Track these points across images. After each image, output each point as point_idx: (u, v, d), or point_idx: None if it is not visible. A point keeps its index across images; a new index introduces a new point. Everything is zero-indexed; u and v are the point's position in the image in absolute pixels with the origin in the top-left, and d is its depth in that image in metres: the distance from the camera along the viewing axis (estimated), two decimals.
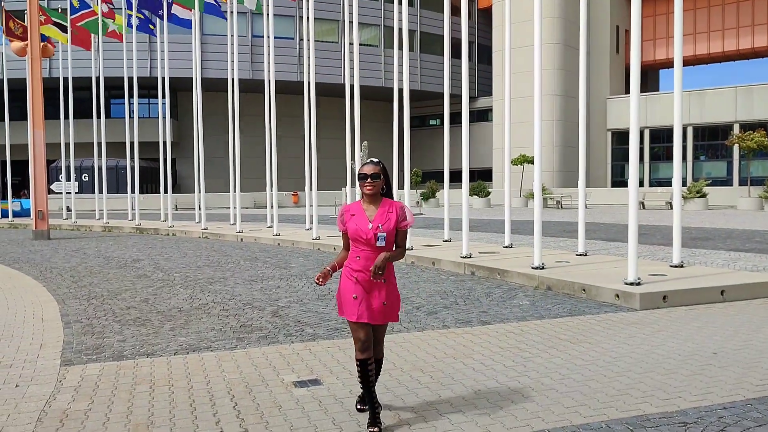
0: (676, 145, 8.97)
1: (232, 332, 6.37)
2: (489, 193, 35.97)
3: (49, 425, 3.96)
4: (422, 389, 4.51)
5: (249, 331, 6.38)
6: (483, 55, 51.79)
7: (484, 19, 51.46)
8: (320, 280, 3.82)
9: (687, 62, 49.55)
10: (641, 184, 40.84)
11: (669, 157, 40.75)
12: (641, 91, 43.38)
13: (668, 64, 46.23)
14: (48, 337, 6.34)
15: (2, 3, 23.24)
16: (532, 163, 35.32)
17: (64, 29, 23.97)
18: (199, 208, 21.08)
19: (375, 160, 3.91)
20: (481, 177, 43.19)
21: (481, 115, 48.98)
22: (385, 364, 5.15)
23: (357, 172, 3.84)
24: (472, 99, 49.79)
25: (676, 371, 4.84)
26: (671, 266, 9.13)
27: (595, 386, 4.52)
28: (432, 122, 52.99)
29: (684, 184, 33.11)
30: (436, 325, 6.58)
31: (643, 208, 29.90)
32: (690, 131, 39.84)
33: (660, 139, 41.55)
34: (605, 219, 22.59)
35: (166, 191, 22.54)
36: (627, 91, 46.55)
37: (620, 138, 42.81)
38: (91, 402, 4.38)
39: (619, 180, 42.92)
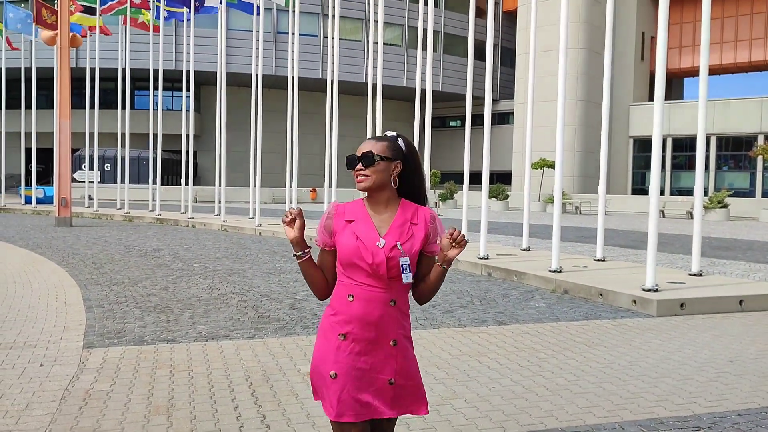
0: (699, 154, 8.94)
1: (250, 322, 6.46)
2: (508, 196, 35.88)
3: (72, 404, 4.06)
4: (437, 385, 4.56)
5: (267, 322, 6.46)
6: (506, 57, 51.64)
7: (508, 21, 51.30)
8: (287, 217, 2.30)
9: (712, 71, 49.05)
10: (662, 192, 40.53)
11: (691, 167, 40.42)
12: (665, 99, 43.14)
13: (693, 72, 45.82)
14: (71, 320, 6.47)
15: None
16: (552, 168, 35.21)
17: (93, 12, 24.19)
18: (219, 201, 21.26)
19: (391, 133, 2.38)
20: (500, 180, 43.05)
21: (502, 118, 48.82)
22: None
23: (346, 157, 2.39)
24: (494, 101, 49.67)
25: (692, 377, 4.84)
26: (690, 274, 9.09)
27: (609, 388, 4.54)
28: (452, 123, 52.94)
29: (705, 194, 32.81)
30: (452, 323, 6.62)
31: (663, 216, 29.66)
32: (713, 141, 39.45)
33: (682, 148, 41.19)
34: (624, 226, 22.46)
35: (186, 183, 22.75)
36: (651, 98, 46.16)
37: (642, 145, 42.50)
38: (113, 383, 4.48)
39: (640, 187, 42.61)
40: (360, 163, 2.27)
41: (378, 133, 14.58)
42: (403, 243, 2.24)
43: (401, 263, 2.21)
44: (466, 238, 2.24)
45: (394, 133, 2.36)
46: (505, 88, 51.00)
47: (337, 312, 2.25)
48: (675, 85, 51.26)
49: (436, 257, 2.27)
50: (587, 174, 41.35)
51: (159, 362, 5.01)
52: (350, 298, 2.23)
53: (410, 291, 2.33)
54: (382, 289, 2.22)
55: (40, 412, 3.92)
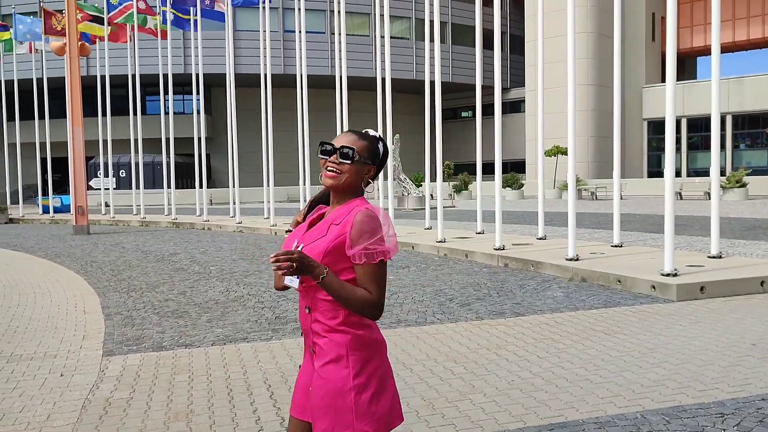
0: (714, 133, 8.80)
1: (267, 324, 6.47)
2: (522, 185, 35.67)
3: (93, 413, 4.09)
4: (455, 380, 4.53)
5: (284, 323, 6.47)
6: (515, 45, 51.29)
7: (516, 9, 50.94)
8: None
9: (725, 48, 48.41)
10: (678, 174, 40.10)
11: (707, 147, 39.91)
12: (678, 80, 42.52)
13: (706, 51, 45.27)
14: (90, 328, 6.51)
15: (41, 3, 23.77)
16: (566, 154, 34.96)
17: (101, 22, 24.38)
18: (234, 203, 21.33)
19: (374, 133, 2.16)
20: (514, 169, 42.80)
21: (514, 107, 48.52)
22: (418, 355, 5.19)
23: (320, 143, 2.12)
24: (504, 90, 49.34)
25: (714, 362, 4.78)
26: (709, 257, 8.97)
27: (629, 377, 4.49)
28: (464, 114, 52.70)
29: (723, 173, 32.41)
30: (470, 316, 6.58)
31: (680, 198, 29.35)
32: (729, 120, 38.94)
33: (698, 128, 40.70)
34: (641, 210, 22.25)
35: (201, 186, 22.87)
36: (663, 79, 45.64)
37: (656, 128, 42.04)
38: (132, 391, 4.50)
39: (656, 170, 42.18)
40: (336, 155, 2.05)
41: (389, 128, 14.56)
42: (308, 244, 2.04)
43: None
44: (285, 264, 1.88)
45: (377, 135, 2.16)
46: (516, 76, 50.69)
47: None
48: (688, 65, 50.67)
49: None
50: (602, 159, 41.01)
51: (178, 368, 5.03)
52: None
53: None
54: (302, 295, 2.10)
55: (61, 422, 3.94)
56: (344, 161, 2.04)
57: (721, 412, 3.80)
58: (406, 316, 6.64)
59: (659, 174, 40.51)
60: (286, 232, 2.27)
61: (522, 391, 4.26)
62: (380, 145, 2.14)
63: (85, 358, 5.37)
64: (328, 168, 2.06)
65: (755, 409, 3.83)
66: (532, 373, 4.63)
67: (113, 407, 4.18)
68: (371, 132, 2.17)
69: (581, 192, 33.05)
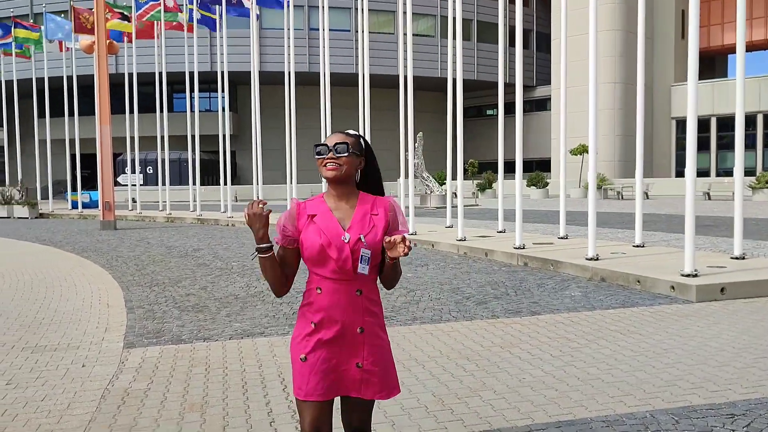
0: (738, 132, 8.71)
1: (284, 319, 6.56)
2: (547, 183, 35.42)
3: (111, 402, 4.20)
4: (467, 377, 4.56)
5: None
6: (542, 43, 50.93)
7: (543, 6, 50.57)
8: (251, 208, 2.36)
9: (758, 46, 47.52)
10: (707, 174, 39.51)
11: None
12: (708, 78, 41.75)
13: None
14: (112, 321, 6.66)
15: (72, 1, 24.21)
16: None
17: (128, 19, 24.77)
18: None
19: (354, 132, 2.46)
20: (540, 167, 42.56)
21: (540, 105, 48.23)
22: (431, 352, 5.23)
23: (315, 145, 2.41)
24: (530, 88, 49.09)
25: (729, 364, 4.74)
26: (732, 258, 8.87)
27: (642, 377, 4.48)
28: (489, 112, 52.49)
29: (753, 173, 31.85)
30: (485, 315, 6.60)
31: (709, 199, 28.92)
32: (760, 119, 38.24)
33: (729, 128, 39.96)
34: (668, 210, 21.99)
35: (226, 183, 23.10)
36: None
37: (685, 127, 41.38)
38: (150, 382, 4.61)
39: (684, 170, 41.56)
40: (333, 153, 2.33)
41: (410, 126, 14.58)
42: (366, 235, 2.31)
43: (361, 254, 2.29)
44: (406, 245, 2.22)
45: (357, 133, 2.45)
46: (542, 74, 50.34)
47: (309, 302, 2.37)
48: (719, 63, 49.85)
49: (387, 255, 2.30)
50: (629, 158, 40.52)
51: (195, 361, 5.14)
52: (318, 291, 2.34)
53: (378, 278, 2.42)
54: (349, 281, 2.31)
55: (80, 411, 4.06)
56: (341, 155, 2.33)
57: (732, 413, 3.79)
58: (422, 313, 6.68)
59: (695, 174, 39.91)
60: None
61: (532, 388, 4.28)
62: (362, 141, 2.45)
63: (107, 350, 5.51)
64: (328, 164, 2.33)
65: (766, 410, 3.81)
66: (544, 372, 4.65)
67: (131, 397, 4.29)
68: (351, 132, 2.45)
69: (607, 191, 32.74)
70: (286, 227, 2.38)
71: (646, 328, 5.88)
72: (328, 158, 2.33)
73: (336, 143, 2.33)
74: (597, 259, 9.07)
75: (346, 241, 2.29)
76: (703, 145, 40.98)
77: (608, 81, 39.16)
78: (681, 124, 42.20)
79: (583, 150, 33.56)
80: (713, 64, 47.37)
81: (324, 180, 2.40)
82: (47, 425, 3.84)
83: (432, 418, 3.80)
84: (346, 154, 2.33)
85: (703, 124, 40.31)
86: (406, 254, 2.22)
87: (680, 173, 41.84)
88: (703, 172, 39.81)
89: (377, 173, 2.49)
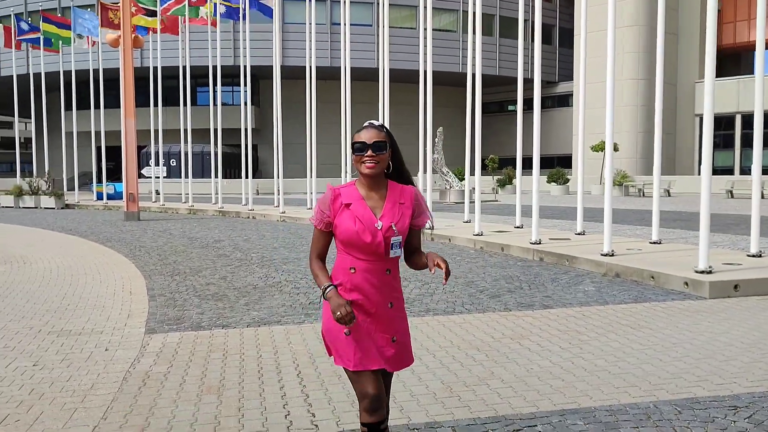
0: (757, 129, 8.70)
1: (301, 308, 6.71)
2: (567, 180, 35.27)
3: (132, 384, 4.38)
4: (476, 366, 4.67)
5: (317, 308, 6.70)
6: (565, 38, 50.59)
7: (566, 2, 50.20)
8: (346, 320, 2.46)
9: None
10: (731, 172, 39.05)
11: (765, 144, 38.73)
12: (734, 74, 41.14)
13: (766, 45, 43.74)
14: (135, 308, 6.87)
15: None
16: (615, 150, 34.32)
17: (153, 14, 25.14)
18: (278, 193, 21.76)
19: (376, 122, 2.61)
20: (561, 164, 42.38)
21: (562, 101, 47.95)
22: (442, 342, 5.35)
23: (351, 141, 2.56)
24: (552, 84, 48.83)
25: (736, 358, 4.80)
26: (748, 255, 8.86)
27: (648, 369, 4.56)
28: (511, 108, 52.29)
29: None
30: (498, 307, 6.70)
31: (732, 197, 28.61)
32: None
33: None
34: (689, 208, 21.84)
35: (247, 176, 23.38)
36: (718, 74, 44.43)
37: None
38: (170, 366, 4.79)
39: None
40: (372, 150, 2.51)
41: (429, 122, 14.66)
42: (396, 223, 2.56)
43: (392, 241, 2.54)
44: (446, 278, 2.53)
45: (381, 123, 2.63)
46: (565, 69, 50.02)
47: (341, 282, 2.56)
48: (745, 59, 49.08)
49: (428, 265, 2.57)
50: (651, 155, 40.14)
51: (213, 346, 5.31)
52: (352, 270, 2.55)
53: (403, 259, 2.72)
54: (380, 262, 2.56)
55: (103, 391, 4.24)
56: (379, 154, 2.52)
57: (735, 405, 3.86)
58: (436, 305, 6.80)
59: (712, 171, 39.52)
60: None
61: (539, 378, 4.39)
62: (388, 131, 2.62)
63: (129, 335, 5.70)
64: (367, 162, 2.52)
65: None
66: (552, 362, 4.74)
67: (151, 380, 4.47)
68: (375, 122, 2.62)
69: (628, 188, 32.52)
70: (323, 212, 2.58)
71: (657, 323, 5.94)
72: (367, 156, 2.50)
73: (375, 141, 2.50)
74: (612, 255, 9.11)
75: (379, 228, 2.52)
76: (727, 143, 40.53)
77: (631, 77, 38.83)
78: None
79: (604, 146, 33.29)
80: (739, 60, 46.67)
81: (347, 174, 2.60)
82: (72, 404, 4.03)
83: (440, 404, 3.92)
84: (384, 152, 2.52)
85: (728, 122, 39.85)
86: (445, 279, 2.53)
87: None
88: (726, 170, 39.36)
89: (400, 160, 2.66)
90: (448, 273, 2.50)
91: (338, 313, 2.45)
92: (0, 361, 4.95)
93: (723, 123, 41.11)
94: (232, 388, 4.28)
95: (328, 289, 2.52)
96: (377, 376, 2.57)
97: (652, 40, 39.95)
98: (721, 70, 45.08)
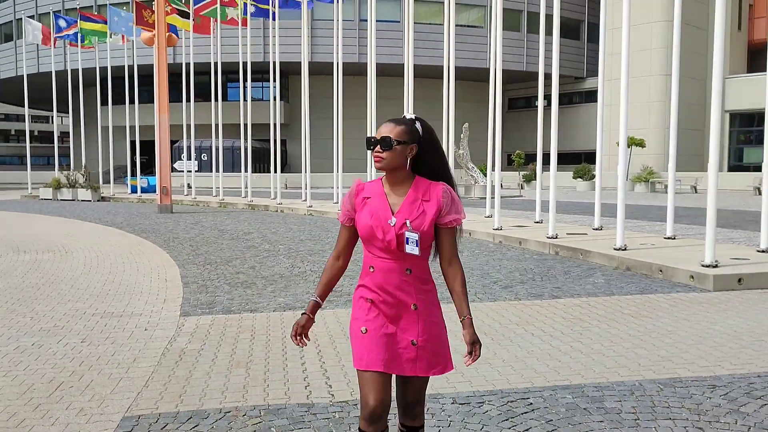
0: None
1: None
2: (593, 175, 35.23)
3: (170, 359, 4.89)
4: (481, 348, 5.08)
5: (338, 296, 7.16)
6: (593, 34, 50.26)
7: None
8: (297, 339, 2.60)
9: None
10: (760, 168, 38.61)
11: None
12: (765, 70, 40.56)
13: None
14: (170, 294, 7.41)
15: None
16: (640, 146, 34.27)
17: (186, 16, 25.87)
18: (305, 187, 22.30)
19: (408, 116, 2.57)
20: (588, 159, 42.22)
21: (590, 96, 47.65)
22: (452, 327, 5.73)
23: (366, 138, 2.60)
24: (580, 79, 48.63)
25: (725, 344, 5.14)
26: (758, 251, 9.11)
27: (641, 353, 4.93)
28: (537, 104, 52.20)
29: None
30: (509, 297, 7.09)
31: (759, 194, 28.40)
32: None
33: None
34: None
35: (276, 171, 23.96)
36: (748, 70, 43.88)
37: (739, 120, 40.56)
38: (203, 344, 5.29)
39: (737, 164, 40.72)
40: (378, 146, 2.47)
41: (451, 116, 15.01)
42: (413, 220, 2.44)
43: (407, 237, 2.43)
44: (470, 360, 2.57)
45: (413, 116, 2.53)
46: (592, 65, 49.69)
47: (364, 281, 2.55)
48: None
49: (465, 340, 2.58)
50: (680, 151, 39.83)
51: (242, 328, 5.80)
52: (371, 269, 2.51)
53: (437, 261, 2.59)
54: (397, 260, 2.46)
55: (144, 365, 4.76)
56: (386, 149, 2.45)
57: (714, 384, 4.22)
58: (449, 294, 7.19)
59: (741, 168, 39.17)
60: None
61: (537, 359, 4.79)
62: (417, 125, 2.52)
63: (165, 317, 6.23)
64: (375, 156, 2.50)
65: (747, 383, 4.23)
66: (552, 346, 5.14)
67: (187, 356, 4.97)
68: (407, 115, 2.56)
69: (654, 185, 32.46)
70: (347, 206, 2.57)
71: (658, 313, 6.29)
72: (375, 151, 2.47)
73: (382, 136, 2.45)
74: (625, 249, 9.42)
75: (392, 224, 2.44)
76: (758, 139, 40.02)
77: (660, 73, 38.57)
78: (736, 117, 41.32)
79: (631, 142, 33.23)
80: None
81: (373, 168, 2.79)
82: (117, 374, 4.54)
83: (443, 379, 4.34)
84: (389, 149, 2.44)
85: (759, 118, 39.38)
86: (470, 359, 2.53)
87: (734, 167, 41.01)
88: (756, 167, 38.92)
89: (436, 159, 2.55)
90: (475, 358, 2.54)
91: (292, 330, 2.56)
92: (52, 338, 5.50)
93: (754, 119, 40.66)
94: (259, 363, 4.76)
95: (308, 302, 2.63)
96: (383, 386, 2.43)
97: (682, 35, 39.61)
98: (752, 66, 44.51)
